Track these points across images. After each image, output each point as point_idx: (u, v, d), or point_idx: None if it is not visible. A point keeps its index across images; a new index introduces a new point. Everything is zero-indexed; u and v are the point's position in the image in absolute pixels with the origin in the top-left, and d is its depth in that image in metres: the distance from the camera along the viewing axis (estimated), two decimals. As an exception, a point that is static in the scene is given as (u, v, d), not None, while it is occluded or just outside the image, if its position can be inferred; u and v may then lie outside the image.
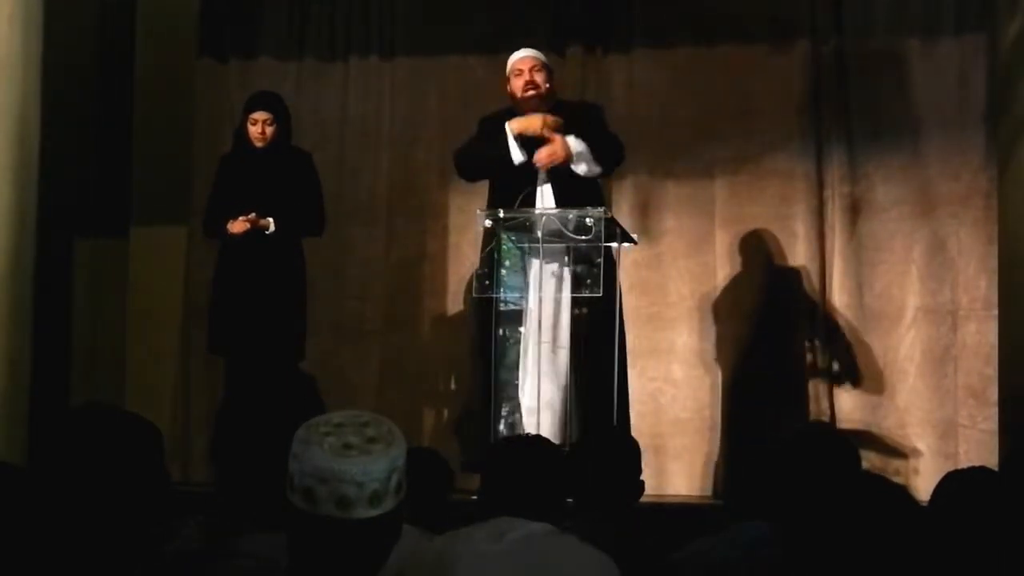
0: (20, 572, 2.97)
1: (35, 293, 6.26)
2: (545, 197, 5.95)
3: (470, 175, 6.26)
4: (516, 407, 5.83)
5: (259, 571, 2.54)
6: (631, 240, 5.93)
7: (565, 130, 5.98)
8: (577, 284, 5.74)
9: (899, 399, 6.93)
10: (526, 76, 6.05)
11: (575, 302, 5.80)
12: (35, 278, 6.26)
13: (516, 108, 6.10)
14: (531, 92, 6.05)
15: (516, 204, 5.78)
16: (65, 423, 3.75)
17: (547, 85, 6.09)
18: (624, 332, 6.01)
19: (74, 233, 7.49)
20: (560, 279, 5.84)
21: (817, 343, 7.03)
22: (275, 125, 6.36)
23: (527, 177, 5.94)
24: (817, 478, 3.04)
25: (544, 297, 5.83)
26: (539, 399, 5.76)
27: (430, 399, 7.50)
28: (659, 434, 7.06)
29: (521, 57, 6.13)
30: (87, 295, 7.57)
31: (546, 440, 3.39)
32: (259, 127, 6.34)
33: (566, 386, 5.76)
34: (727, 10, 7.30)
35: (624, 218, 6.58)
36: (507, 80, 6.15)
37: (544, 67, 6.13)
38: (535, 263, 5.85)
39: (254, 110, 6.37)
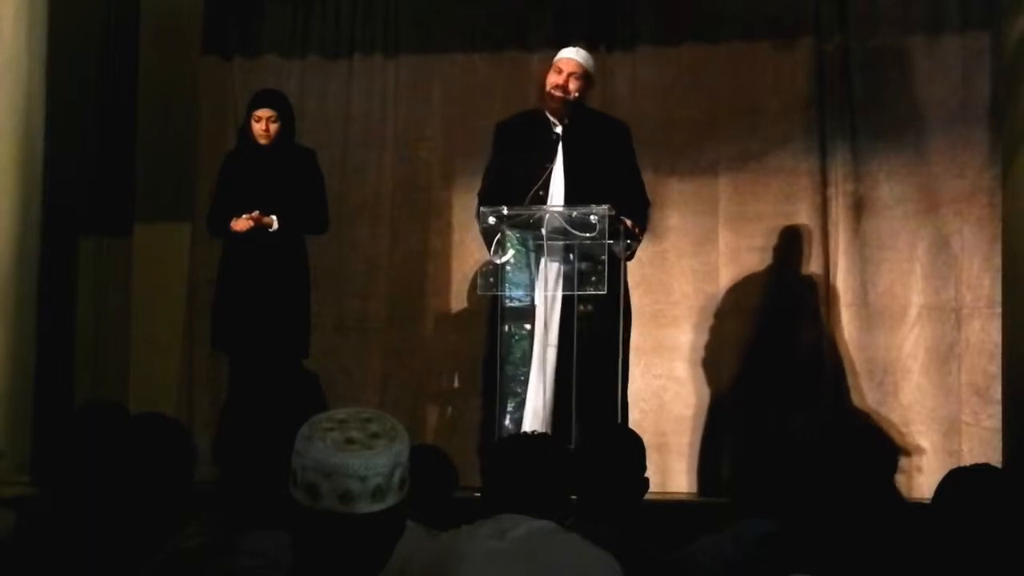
0: (29, 568, 2.98)
1: (39, 290, 6.27)
2: (556, 195, 5.92)
3: None
4: (521, 404, 5.82)
5: (262, 568, 2.54)
6: (635, 237, 5.92)
7: (582, 141, 5.94)
8: (582, 282, 5.73)
9: (903, 397, 6.93)
10: (562, 79, 5.93)
11: (580, 299, 5.78)
12: (39, 275, 6.27)
13: (541, 101, 6.03)
14: (557, 95, 5.94)
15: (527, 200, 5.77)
16: (77, 421, 3.75)
17: (577, 95, 5.95)
18: (629, 330, 5.99)
19: (78, 231, 7.49)
20: (565, 277, 5.82)
21: (821, 341, 7.02)
22: (279, 123, 6.36)
23: (540, 166, 5.92)
24: (853, 476, 3.03)
25: (549, 295, 5.82)
26: (544, 396, 5.76)
27: (433, 396, 7.50)
28: (663, 432, 7.06)
29: (567, 58, 6.00)
30: (91, 292, 7.57)
31: (550, 437, 3.39)
32: (263, 124, 6.34)
33: (570, 383, 5.76)
34: (731, 8, 7.29)
35: (628, 215, 6.57)
36: (547, 68, 6.05)
37: (585, 75, 5.98)
38: (541, 261, 5.84)
39: (258, 107, 6.37)
